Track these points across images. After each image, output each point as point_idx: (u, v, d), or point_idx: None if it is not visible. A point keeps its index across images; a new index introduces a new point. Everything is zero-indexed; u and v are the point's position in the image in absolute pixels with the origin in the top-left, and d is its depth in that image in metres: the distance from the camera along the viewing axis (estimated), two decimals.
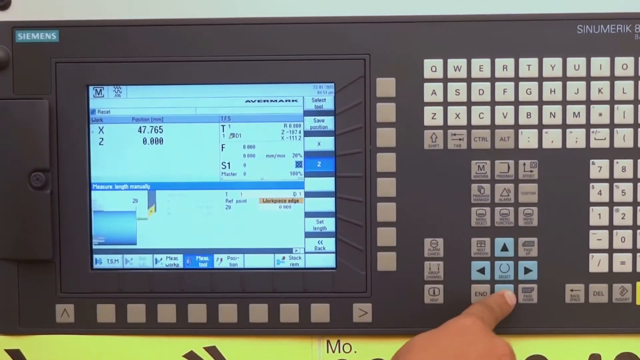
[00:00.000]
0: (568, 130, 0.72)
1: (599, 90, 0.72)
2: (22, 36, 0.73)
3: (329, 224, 0.73)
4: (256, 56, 0.73)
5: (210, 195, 0.74)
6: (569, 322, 0.72)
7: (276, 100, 0.73)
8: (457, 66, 0.72)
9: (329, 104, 0.73)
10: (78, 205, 0.74)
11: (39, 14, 0.74)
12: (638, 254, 0.72)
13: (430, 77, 0.72)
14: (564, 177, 0.72)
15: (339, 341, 0.74)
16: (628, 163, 0.72)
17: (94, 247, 0.74)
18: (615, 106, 0.72)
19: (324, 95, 0.73)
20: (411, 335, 0.72)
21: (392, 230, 0.73)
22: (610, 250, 0.72)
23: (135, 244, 0.74)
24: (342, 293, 0.73)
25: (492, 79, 0.72)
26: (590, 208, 0.72)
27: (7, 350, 0.75)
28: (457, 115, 0.72)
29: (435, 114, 0.72)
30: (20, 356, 0.75)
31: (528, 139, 0.72)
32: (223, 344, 0.74)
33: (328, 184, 0.73)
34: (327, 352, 0.74)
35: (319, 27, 0.72)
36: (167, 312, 0.74)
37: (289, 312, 0.73)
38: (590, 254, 0.72)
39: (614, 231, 0.72)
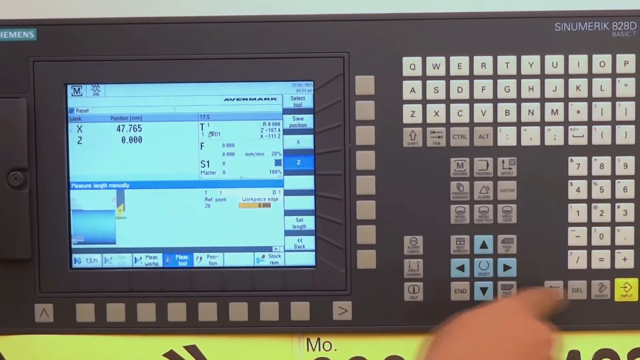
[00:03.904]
0: (546, 127, 0.72)
1: (577, 88, 0.72)
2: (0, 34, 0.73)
3: (309, 222, 0.73)
4: (235, 54, 0.72)
5: (189, 193, 0.73)
6: (548, 319, 0.72)
7: (255, 99, 0.73)
8: (436, 64, 0.72)
9: (308, 102, 0.73)
10: (57, 205, 0.73)
11: (16, 13, 0.73)
12: (616, 251, 0.72)
13: (409, 74, 0.72)
14: (542, 174, 0.72)
15: (319, 339, 0.74)
16: (606, 160, 0.72)
17: (73, 246, 0.74)
18: (593, 103, 0.72)
19: (303, 93, 0.73)
20: (391, 333, 0.73)
21: (371, 227, 0.73)
22: (589, 247, 0.72)
23: (114, 243, 0.74)
24: (322, 291, 0.73)
25: (471, 77, 0.72)
26: (569, 205, 0.72)
27: None
28: (436, 113, 0.72)
29: (414, 111, 0.72)
30: None
31: (507, 137, 0.72)
32: (203, 342, 0.74)
33: (307, 182, 0.73)
34: (307, 350, 0.74)
35: (298, 25, 0.72)
36: (146, 311, 0.74)
37: (269, 310, 0.73)
38: (569, 251, 0.72)
39: (593, 228, 0.72)
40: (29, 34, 0.73)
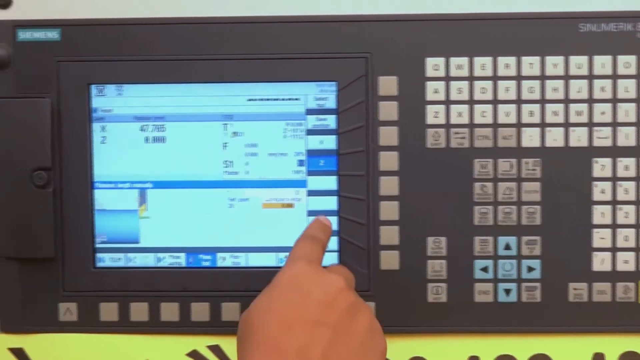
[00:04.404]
0: (570, 128, 0.72)
1: (602, 89, 0.72)
2: (24, 35, 0.73)
3: (332, 223, 0.73)
4: (258, 55, 0.73)
5: (212, 194, 0.74)
6: (572, 321, 0.72)
7: (278, 99, 0.73)
8: (460, 65, 0.72)
9: (331, 103, 0.73)
10: (80, 204, 0.74)
11: (40, 13, 0.74)
12: None
13: (432, 75, 0.72)
14: (566, 176, 0.72)
15: None
16: (631, 161, 0.72)
17: (97, 245, 0.74)
18: (618, 104, 0.72)
19: (326, 93, 0.73)
20: (414, 334, 0.73)
21: (394, 228, 0.73)
22: (614, 249, 0.72)
23: (137, 242, 0.74)
24: None
25: (495, 78, 0.72)
26: (593, 207, 0.72)
27: (10, 349, 0.75)
28: (460, 114, 0.72)
29: (437, 112, 0.72)
30: (23, 355, 0.75)
31: (531, 138, 0.72)
32: (226, 342, 0.74)
33: (331, 182, 0.73)
34: None
35: (322, 25, 0.72)
36: (170, 311, 0.74)
37: None
38: (593, 253, 0.72)
39: (617, 230, 0.72)
40: (53, 35, 0.73)
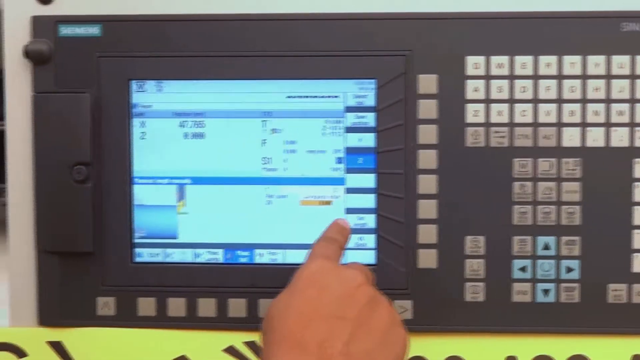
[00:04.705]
0: (612, 128, 0.71)
1: None
2: (65, 30, 0.74)
3: (370, 221, 0.73)
4: (298, 52, 0.73)
5: (251, 190, 0.74)
6: (611, 322, 0.72)
7: (317, 96, 0.73)
8: (500, 63, 0.72)
9: (370, 101, 0.73)
10: (119, 199, 0.74)
11: (82, 9, 0.74)
12: None
13: (472, 74, 0.72)
14: (607, 176, 0.72)
15: None
16: None
17: (135, 240, 0.75)
18: None
19: (365, 91, 0.73)
20: (451, 333, 0.73)
21: (432, 227, 0.72)
22: None
23: (176, 238, 0.75)
24: (382, 289, 0.72)
25: (535, 77, 0.72)
26: (634, 207, 0.71)
27: (49, 342, 0.75)
28: (500, 113, 0.72)
29: (477, 111, 0.72)
30: (61, 348, 0.75)
31: (571, 137, 0.72)
32: None
33: (369, 180, 0.73)
34: None
35: (361, 23, 0.72)
36: (207, 307, 0.74)
37: None
38: (633, 254, 0.72)
39: None
40: (94, 30, 0.74)
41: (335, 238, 0.68)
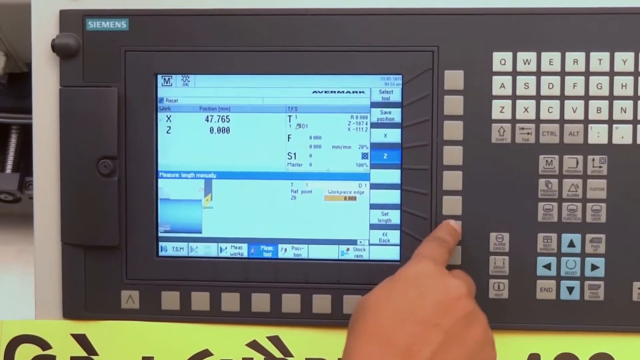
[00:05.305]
0: (639, 126, 0.71)
1: None
2: (93, 24, 0.74)
3: (394, 217, 0.73)
4: (324, 47, 0.73)
5: (275, 185, 0.74)
6: (636, 321, 0.71)
7: (343, 92, 0.73)
8: (527, 59, 0.72)
9: (396, 96, 0.73)
10: (144, 193, 0.74)
11: (109, 3, 0.74)
12: None
13: (499, 70, 0.72)
14: (633, 174, 0.71)
15: None
16: None
17: (160, 234, 0.75)
18: None
19: (391, 87, 0.73)
20: None
21: (457, 223, 0.72)
22: None
23: (200, 232, 0.75)
24: None
25: (562, 73, 0.71)
26: None
27: (73, 335, 0.76)
28: (526, 109, 0.72)
29: (503, 107, 0.72)
30: (85, 341, 0.75)
31: (598, 134, 0.71)
32: (286, 333, 0.74)
33: (394, 176, 0.73)
34: None
35: (388, 18, 0.72)
36: (231, 301, 0.74)
37: (352, 303, 0.73)
38: None
39: None
40: (121, 24, 0.74)
41: (445, 239, 0.68)
